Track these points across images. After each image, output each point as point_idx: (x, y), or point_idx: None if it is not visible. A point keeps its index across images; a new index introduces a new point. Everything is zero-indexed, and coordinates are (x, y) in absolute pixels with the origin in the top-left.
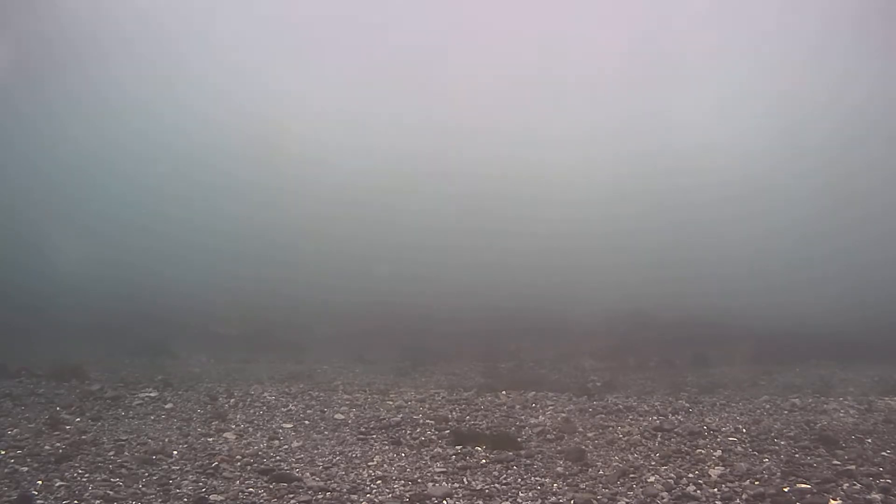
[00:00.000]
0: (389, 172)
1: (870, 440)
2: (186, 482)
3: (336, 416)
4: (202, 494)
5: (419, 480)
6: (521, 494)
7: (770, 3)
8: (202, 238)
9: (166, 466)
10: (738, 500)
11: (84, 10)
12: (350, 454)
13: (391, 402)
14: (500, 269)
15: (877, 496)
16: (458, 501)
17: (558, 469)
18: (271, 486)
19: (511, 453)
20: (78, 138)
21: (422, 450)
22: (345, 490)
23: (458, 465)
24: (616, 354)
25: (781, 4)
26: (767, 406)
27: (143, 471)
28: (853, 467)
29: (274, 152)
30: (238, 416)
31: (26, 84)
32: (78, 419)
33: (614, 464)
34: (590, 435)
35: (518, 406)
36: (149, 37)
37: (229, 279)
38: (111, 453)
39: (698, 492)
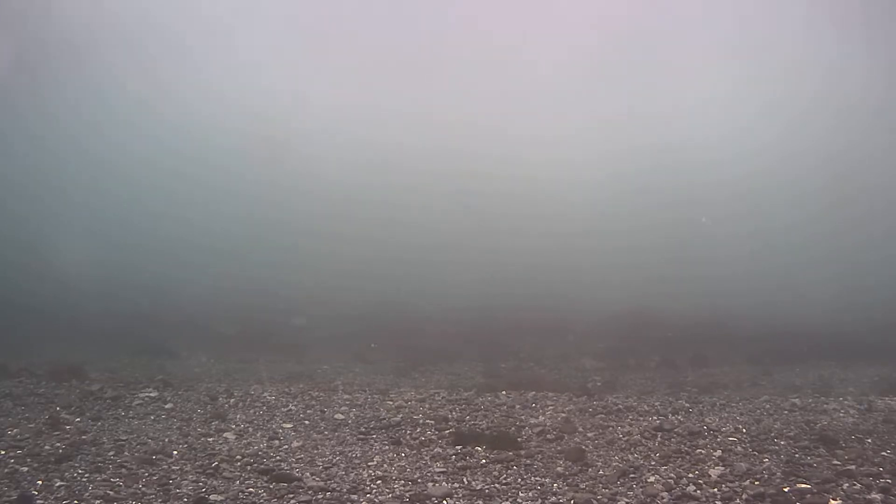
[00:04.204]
0: (388, 172)
1: (870, 440)
2: (186, 482)
3: (336, 416)
4: (202, 494)
5: (419, 480)
6: (521, 494)
7: None
8: (202, 238)
9: (166, 466)
10: (738, 500)
11: (84, 9)
12: (350, 454)
13: (391, 402)
14: (500, 269)
15: (877, 496)
16: (458, 501)
17: (558, 469)
18: (271, 486)
19: (511, 453)
20: (77, 138)
21: (422, 450)
22: (345, 490)
23: (458, 465)
24: (616, 354)
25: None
26: (767, 406)
27: (143, 471)
28: (853, 467)
29: (273, 152)
30: (238, 416)
31: (26, 84)
32: (78, 419)
33: (614, 464)
34: (590, 435)
35: (518, 406)
36: (147, 35)
37: (229, 279)
38: (111, 453)
39: (698, 492)
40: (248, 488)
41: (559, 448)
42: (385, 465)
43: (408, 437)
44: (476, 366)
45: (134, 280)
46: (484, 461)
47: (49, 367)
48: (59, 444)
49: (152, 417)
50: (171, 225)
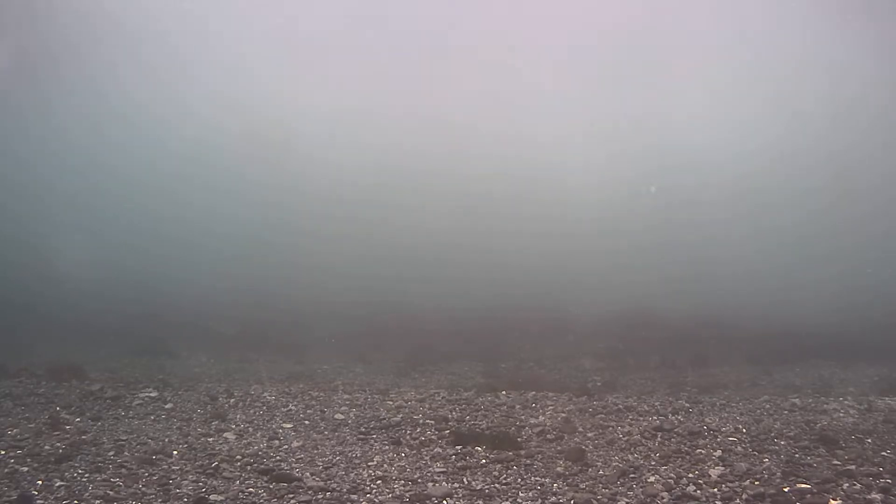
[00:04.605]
0: (389, 172)
1: (870, 440)
2: (186, 482)
3: (336, 416)
4: (202, 494)
5: (419, 480)
6: (521, 494)
7: None
8: (202, 238)
9: (166, 466)
10: (738, 500)
11: (85, 10)
12: (350, 454)
13: (391, 402)
14: (500, 269)
15: (877, 496)
16: (458, 501)
17: (558, 469)
18: (271, 486)
19: (511, 453)
20: (77, 138)
21: (422, 450)
22: (345, 490)
23: (458, 465)
24: (616, 354)
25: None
26: (767, 406)
27: (143, 471)
28: (853, 467)
29: (273, 152)
30: (238, 416)
31: (27, 84)
32: (78, 419)
33: (614, 464)
34: (590, 435)
35: (518, 406)
36: (148, 38)
37: (229, 279)
38: (111, 453)
39: (698, 492)
40: (248, 488)
41: (559, 448)
42: (385, 465)
43: (408, 437)
44: (476, 366)
45: (134, 280)
46: (484, 461)
47: (49, 367)
48: (59, 444)
49: (152, 417)
50: (172, 225)
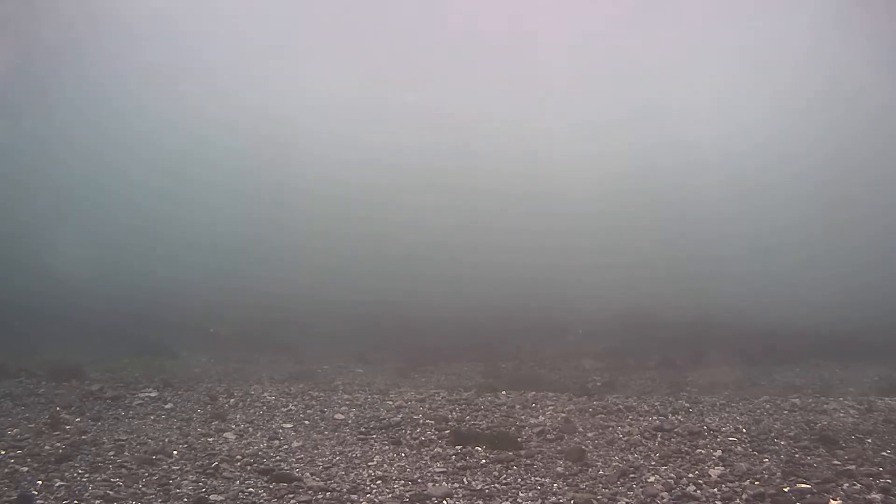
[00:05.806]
0: (388, 171)
1: (870, 440)
2: (186, 482)
3: (336, 416)
4: (202, 494)
5: (419, 480)
6: (521, 494)
7: None
8: (202, 238)
9: (166, 466)
10: (738, 500)
11: (84, 8)
12: (350, 454)
13: (391, 402)
14: (501, 269)
15: (877, 496)
16: (458, 501)
17: (558, 469)
18: (271, 486)
19: (511, 453)
20: (77, 137)
21: (422, 450)
22: (345, 490)
23: (458, 465)
24: (616, 354)
25: None
26: (767, 406)
27: (143, 471)
28: (853, 467)
29: (273, 152)
30: (238, 416)
31: (25, 83)
32: (78, 419)
33: (614, 464)
34: (590, 435)
35: (518, 406)
36: (149, 33)
37: (229, 279)
38: (111, 453)
39: (698, 492)
40: (248, 488)
41: (559, 448)
42: (385, 465)
43: (408, 437)
44: (476, 366)
45: (134, 280)
46: (484, 461)
47: (49, 367)
48: (59, 444)
49: (152, 417)
50: (172, 225)
